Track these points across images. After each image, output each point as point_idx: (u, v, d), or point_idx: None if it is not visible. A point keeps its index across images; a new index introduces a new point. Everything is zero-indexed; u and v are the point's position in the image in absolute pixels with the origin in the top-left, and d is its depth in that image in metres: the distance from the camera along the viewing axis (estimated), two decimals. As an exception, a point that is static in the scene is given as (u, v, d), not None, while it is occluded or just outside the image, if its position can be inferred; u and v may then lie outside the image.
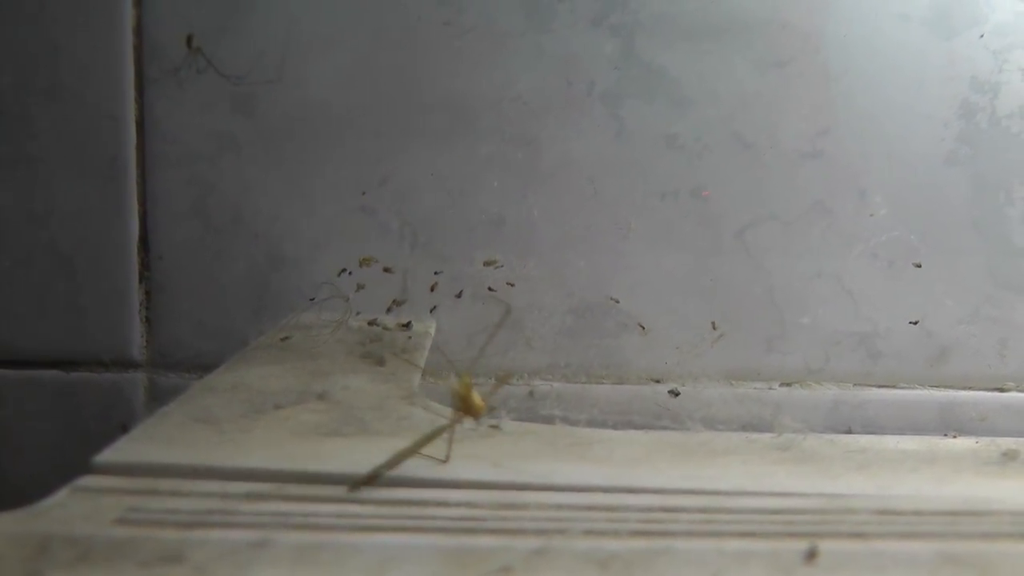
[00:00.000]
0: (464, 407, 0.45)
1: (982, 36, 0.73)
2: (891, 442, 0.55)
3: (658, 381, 0.76)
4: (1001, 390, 0.76)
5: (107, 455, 0.44)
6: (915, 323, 0.75)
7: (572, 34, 0.74)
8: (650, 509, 0.40)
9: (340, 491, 0.41)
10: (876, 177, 0.74)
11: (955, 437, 0.70)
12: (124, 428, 0.58)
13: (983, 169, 0.74)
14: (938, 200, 0.74)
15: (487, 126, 0.75)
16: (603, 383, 0.76)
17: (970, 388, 0.76)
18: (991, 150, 0.74)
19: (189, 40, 0.75)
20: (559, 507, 0.40)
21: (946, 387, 0.76)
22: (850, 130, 0.74)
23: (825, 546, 0.36)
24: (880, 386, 0.76)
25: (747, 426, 0.69)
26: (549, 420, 0.59)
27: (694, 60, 0.74)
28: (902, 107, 0.74)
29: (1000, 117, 0.74)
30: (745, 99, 0.74)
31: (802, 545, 0.36)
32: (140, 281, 0.78)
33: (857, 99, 0.74)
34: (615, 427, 0.55)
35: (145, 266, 0.78)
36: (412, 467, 0.44)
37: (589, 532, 0.37)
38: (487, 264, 0.75)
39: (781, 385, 0.76)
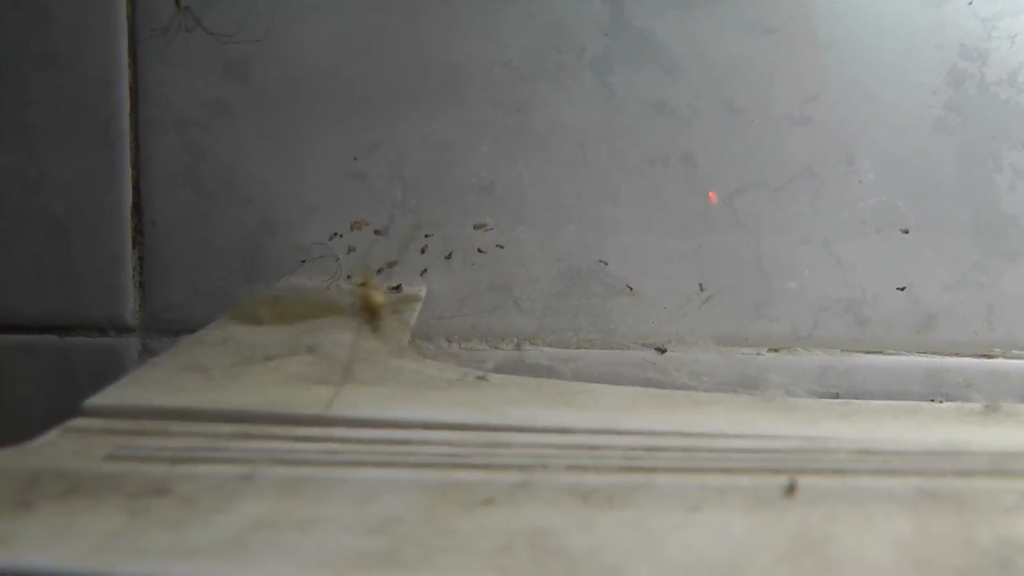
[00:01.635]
0: (365, 307, 0.46)
1: (971, 3, 0.73)
2: (875, 402, 0.55)
3: (647, 344, 0.76)
4: (988, 356, 0.76)
5: (97, 399, 0.45)
6: (902, 289, 0.76)
7: (563, 0, 0.75)
8: (632, 448, 0.40)
9: (322, 431, 0.42)
10: (865, 144, 0.75)
11: (941, 403, 0.70)
12: (116, 384, 0.58)
13: (972, 136, 0.75)
14: (926, 167, 0.75)
15: (478, 92, 0.76)
16: (592, 347, 0.76)
17: (957, 354, 0.76)
18: (980, 117, 0.75)
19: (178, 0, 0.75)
20: (542, 446, 0.40)
21: (933, 353, 0.76)
22: (839, 97, 0.74)
23: (804, 481, 0.37)
24: (867, 352, 0.77)
25: (735, 387, 0.69)
26: (536, 375, 0.59)
27: (684, 26, 0.74)
28: (891, 74, 0.74)
29: (989, 84, 0.74)
30: (735, 65, 0.75)
31: (781, 480, 0.37)
32: (133, 246, 0.78)
33: (847, 66, 0.74)
34: (601, 382, 0.55)
35: (138, 231, 0.78)
36: (396, 408, 0.45)
37: (571, 467, 0.38)
38: (477, 227, 0.75)
39: (769, 351, 0.76)
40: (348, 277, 0.75)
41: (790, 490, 0.36)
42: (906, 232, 0.75)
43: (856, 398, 0.74)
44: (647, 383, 0.68)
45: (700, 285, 0.76)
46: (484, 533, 0.32)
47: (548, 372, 0.72)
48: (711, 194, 0.76)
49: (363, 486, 0.36)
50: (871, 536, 0.33)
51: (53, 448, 0.40)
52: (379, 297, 0.46)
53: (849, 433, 0.45)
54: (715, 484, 0.37)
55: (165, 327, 0.78)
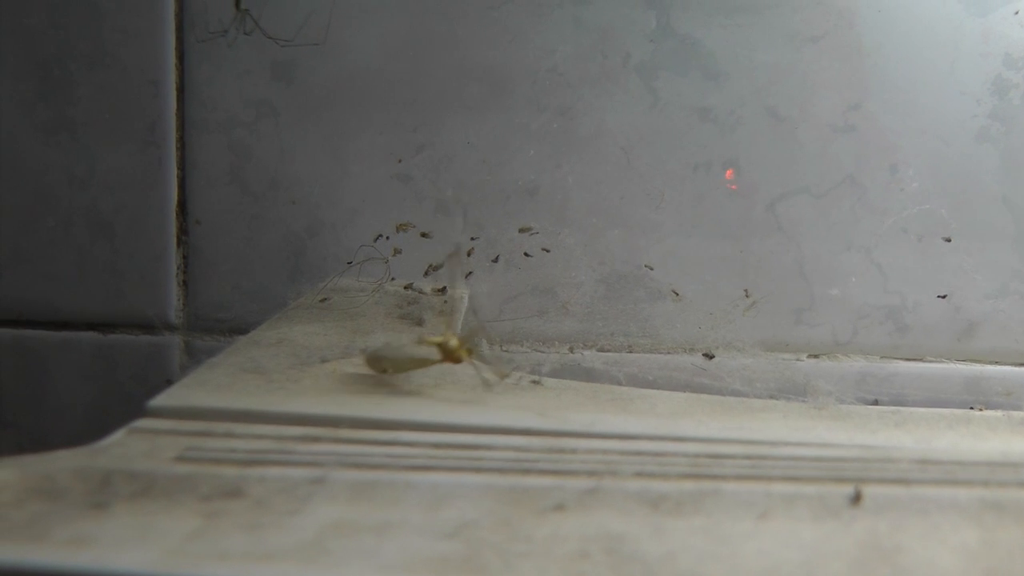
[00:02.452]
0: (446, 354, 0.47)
1: (1017, 13, 0.73)
2: (923, 409, 0.55)
3: (693, 349, 0.76)
4: (1028, 365, 0.77)
5: (160, 400, 0.45)
6: (943, 297, 0.76)
7: (609, 6, 0.75)
8: (697, 455, 0.41)
9: (391, 435, 0.42)
10: (908, 152, 0.75)
11: (981, 410, 0.70)
12: (168, 383, 0.58)
13: (1015, 145, 0.75)
14: (969, 176, 0.75)
15: (523, 96, 0.76)
16: (637, 351, 0.76)
17: (997, 363, 0.77)
18: (1023, 127, 0.75)
19: (237, 2, 0.75)
20: (607, 452, 0.41)
21: (973, 361, 0.76)
22: (883, 105, 0.75)
23: (869, 490, 0.37)
24: (907, 359, 0.77)
25: (781, 391, 0.70)
26: (588, 379, 0.59)
27: (729, 34, 0.75)
28: (935, 83, 0.74)
29: (1032, 94, 0.75)
30: (779, 73, 0.75)
31: (847, 489, 0.37)
32: (178, 245, 0.78)
33: (890, 74, 0.74)
34: (653, 387, 0.55)
35: (183, 231, 0.78)
36: (457, 414, 0.45)
37: (639, 474, 0.38)
38: (522, 231, 0.76)
39: (809, 357, 0.77)
40: (393, 279, 0.75)
41: (856, 499, 0.36)
42: (948, 240, 0.75)
43: (895, 405, 0.74)
44: (699, 388, 0.68)
45: (745, 291, 0.76)
46: (559, 539, 0.32)
47: (599, 375, 0.72)
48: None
49: (434, 490, 0.36)
50: (939, 546, 0.33)
51: (122, 448, 0.40)
52: (458, 348, 0.47)
53: (907, 442, 0.45)
54: (782, 492, 0.37)
55: (208, 326, 0.79)
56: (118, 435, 0.42)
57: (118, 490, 0.35)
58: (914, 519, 0.35)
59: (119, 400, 0.78)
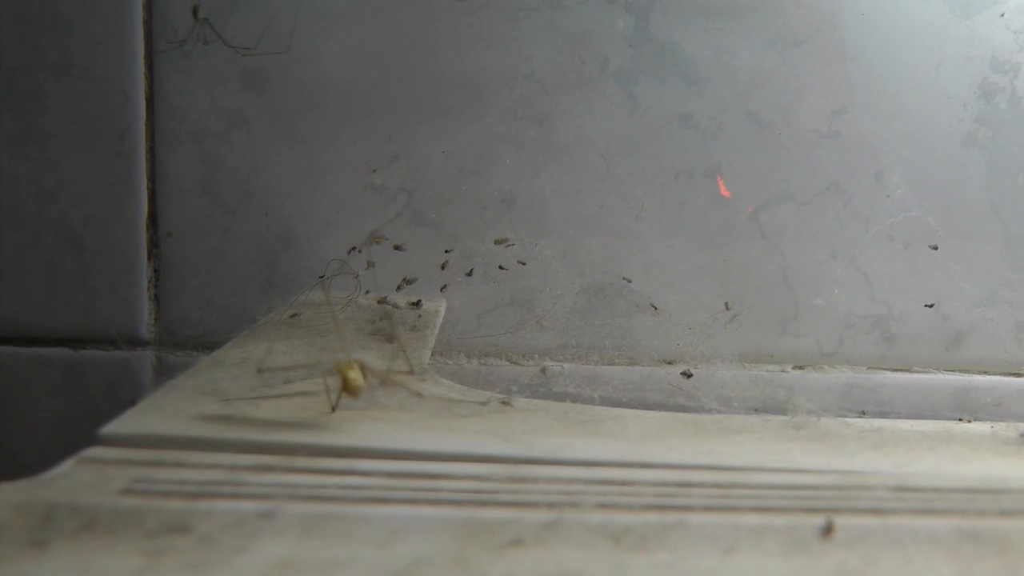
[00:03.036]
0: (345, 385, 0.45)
1: (1003, 15, 0.73)
2: (906, 425, 0.54)
3: (670, 363, 0.75)
4: (1017, 375, 0.76)
5: (113, 427, 0.44)
6: (931, 306, 0.75)
7: (586, 11, 0.74)
8: (664, 484, 0.39)
9: (345, 463, 0.41)
10: (893, 158, 0.74)
11: (970, 422, 0.69)
12: (133, 404, 0.57)
13: (1002, 150, 0.74)
14: (956, 182, 0.74)
15: (500, 103, 0.75)
16: (615, 364, 0.76)
17: (986, 373, 0.76)
18: (1010, 131, 0.74)
19: (195, 11, 0.74)
20: (571, 481, 0.39)
21: (962, 371, 0.76)
22: (867, 110, 0.74)
23: (842, 521, 0.36)
24: (894, 370, 0.76)
25: (761, 408, 0.69)
26: (561, 399, 0.58)
27: (709, 38, 0.74)
28: (920, 87, 0.73)
29: (1020, 98, 0.73)
30: (761, 78, 0.74)
31: (818, 520, 0.36)
32: (149, 258, 0.77)
33: (875, 78, 0.73)
34: (628, 406, 0.54)
35: (154, 243, 0.77)
36: (419, 440, 0.44)
37: (602, 506, 0.37)
38: (498, 243, 0.75)
39: (794, 368, 0.76)
40: (367, 292, 0.74)
41: (827, 531, 0.35)
42: (935, 248, 0.74)
43: (883, 416, 0.73)
44: (674, 407, 0.67)
45: (726, 304, 0.75)
46: (514, 577, 0.31)
47: (573, 396, 0.71)
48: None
49: (387, 524, 0.35)
50: (913, 581, 0.32)
51: (68, 480, 0.39)
52: (358, 380, 0.45)
53: (885, 466, 0.44)
54: (750, 524, 0.36)
55: (180, 341, 0.78)
56: (66, 465, 0.40)
57: (60, 526, 0.34)
58: (887, 552, 0.34)
59: (91, 417, 0.77)
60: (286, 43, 0.74)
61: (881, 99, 0.73)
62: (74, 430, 0.78)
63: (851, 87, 0.73)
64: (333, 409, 0.47)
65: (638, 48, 0.74)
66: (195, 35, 0.74)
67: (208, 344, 0.76)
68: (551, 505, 0.37)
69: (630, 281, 0.75)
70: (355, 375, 0.45)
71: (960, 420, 0.72)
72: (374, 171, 0.75)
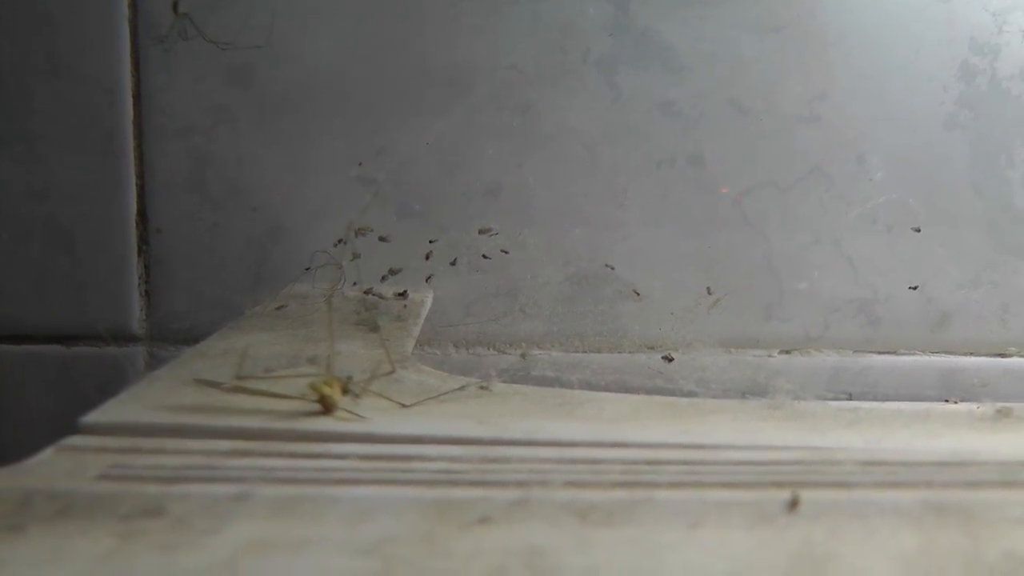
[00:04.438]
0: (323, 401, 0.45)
1: (980, -4, 0.73)
2: (891, 407, 0.54)
3: (652, 348, 0.76)
4: (1003, 355, 0.76)
5: (94, 416, 0.44)
6: (915, 288, 0.75)
7: (567, 1, 0.74)
8: (633, 462, 0.40)
9: (320, 447, 0.41)
10: (875, 141, 0.74)
11: (956, 403, 0.70)
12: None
13: (983, 132, 0.74)
14: (938, 164, 0.74)
15: (483, 95, 0.75)
16: (599, 351, 0.76)
17: (971, 354, 0.76)
18: (991, 113, 0.74)
19: (175, 5, 0.74)
20: (541, 460, 0.40)
21: (947, 353, 0.76)
22: (848, 94, 0.74)
23: (808, 495, 0.36)
24: (880, 352, 0.76)
25: (744, 391, 0.69)
26: (541, 383, 0.58)
27: (689, 25, 0.74)
28: (901, 70, 0.74)
29: (1000, 79, 0.74)
30: (742, 64, 0.74)
31: (784, 494, 0.36)
32: (139, 255, 0.78)
33: (855, 62, 0.74)
34: (607, 390, 0.55)
35: (144, 240, 0.77)
36: (394, 424, 0.44)
37: (570, 483, 0.37)
38: (482, 232, 0.75)
39: (780, 352, 0.76)
40: (354, 284, 0.74)
41: (793, 505, 0.35)
42: (918, 230, 0.74)
43: (869, 399, 0.73)
44: (654, 391, 0.68)
45: (708, 289, 0.75)
46: (480, 553, 0.31)
47: (553, 381, 0.71)
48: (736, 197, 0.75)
49: (358, 505, 0.35)
50: (875, 553, 0.32)
51: (47, 468, 0.39)
52: (335, 395, 0.45)
53: (856, 442, 0.44)
54: (716, 499, 0.36)
55: (171, 336, 0.78)
56: (45, 454, 0.41)
57: (37, 511, 0.34)
58: (851, 524, 0.34)
59: (83, 413, 0.77)
60: (265, 37, 0.75)
61: (862, 83, 0.74)
62: (67, 426, 0.78)
63: (832, 72, 0.74)
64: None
65: (619, 37, 0.74)
66: (175, 30, 0.75)
67: (199, 338, 0.75)
68: (520, 484, 0.37)
69: (613, 268, 0.75)
70: (330, 391, 0.45)
71: (946, 401, 0.72)
72: (360, 164, 0.76)
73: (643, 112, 0.75)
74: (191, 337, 0.77)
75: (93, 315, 0.78)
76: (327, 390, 0.45)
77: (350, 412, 0.45)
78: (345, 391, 0.46)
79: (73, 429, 0.44)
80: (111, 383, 0.78)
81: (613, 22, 0.74)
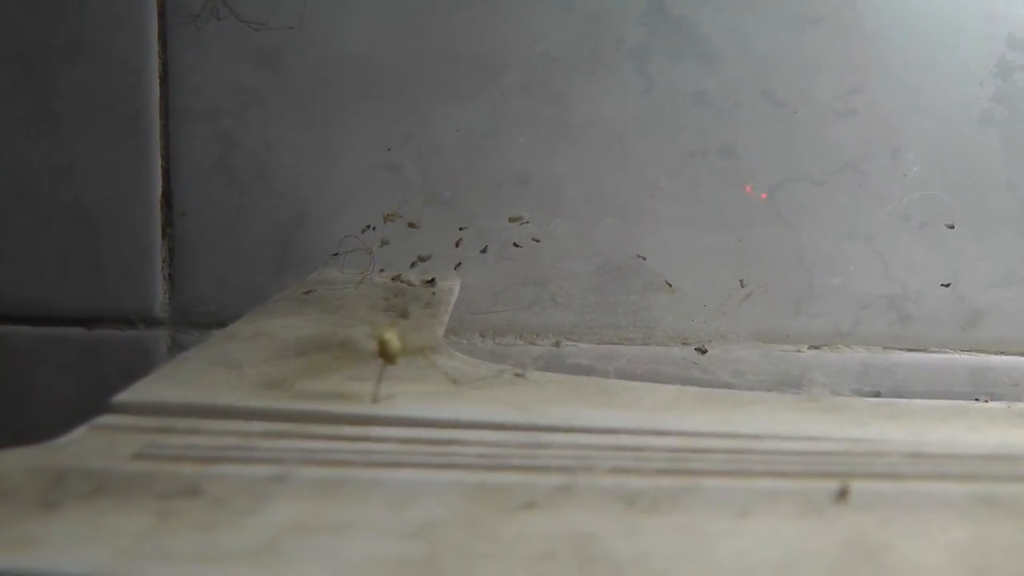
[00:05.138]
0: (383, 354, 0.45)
1: (1020, -8, 0.72)
2: (921, 401, 0.54)
3: (686, 340, 0.75)
4: (1034, 355, 0.76)
5: (125, 395, 0.44)
6: (947, 286, 0.75)
7: (601, -11, 0.74)
8: (677, 450, 0.39)
9: (359, 430, 0.41)
10: (910, 136, 0.73)
11: (986, 401, 0.69)
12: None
13: (1018, 129, 0.73)
14: (972, 160, 0.74)
15: (514, 82, 0.75)
16: (632, 342, 0.75)
17: (1002, 352, 0.75)
18: (1027, 110, 0.74)
19: (208, -15, 0.74)
20: (584, 447, 0.39)
21: (978, 351, 0.75)
22: (884, 88, 0.73)
23: (856, 486, 0.35)
24: (910, 350, 0.76)
25: (776, 385, 0.68)
26: (575, 373, 0.58)
27: (725, 16, 0.73)
28: (937, 65, 0.73)
29: (1038, 76, 0.73)
30: (777, 56, 0.73)
31: (833, 485, 0.36)
32: (163, 238, 0.77)
33: (892, 56, 0.73)
34: (642, 380, 0.54)
35: (168, 222, 0.77)
36: (434, 406, 0.44)
37: (615, 470, 0.37)
38: (513, 220, 0.74)
39: (810, 348, 0.76)
40: (381, 271, 0.74)
41: (842, 495, 0.35)
42: (951, 227, 0.74)
43: (898, 397, 0.73)
44: (689, 382, 0.67)
45: (741, 281, 0.75)
46: (526, 538, 0.31)
47: (587, 370, 0.71)
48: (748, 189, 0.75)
49: (401, 488, 0.35)
50: (928, 544, 0.32)
51: (80, 446, 0.39)
52: (396, 344, 0.45)
53: (899, 435, 0.43)
54: (764, 488, 0.35)
55: (194, 320, 0.78)
56: (78, 432, 0.40)
57: (71, 489, 0.34)
58: (903, 516, 0.34)
59: (105, 396, 0.76)
60: (298, 18, 0.74)
61: (898, 77, 0.73)
62: (88, 409, 0.78)
63: (868, 65, 0.73)
64: (374, 400, 0.47)
65: (653, 27, 0.73)
66: (208, 9, 0.74)
67: (222, 322, 0.76)
68: (564, 470, 0.36)
69: (645, 259, 0.75)
70: (392, 336, 0.45)
71: (976, 400, 0.72)
72: (388, 150, 0.75)
73: (676, 103, 0.74)
74: (214, 321, 0.77)
75: (116, 298, 0.78)
76: (389, 335, 0.45)
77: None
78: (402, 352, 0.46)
79: (94, 412, 0.44)
80: (133, 366, 0.78)
81: (648, 11, 0.73)
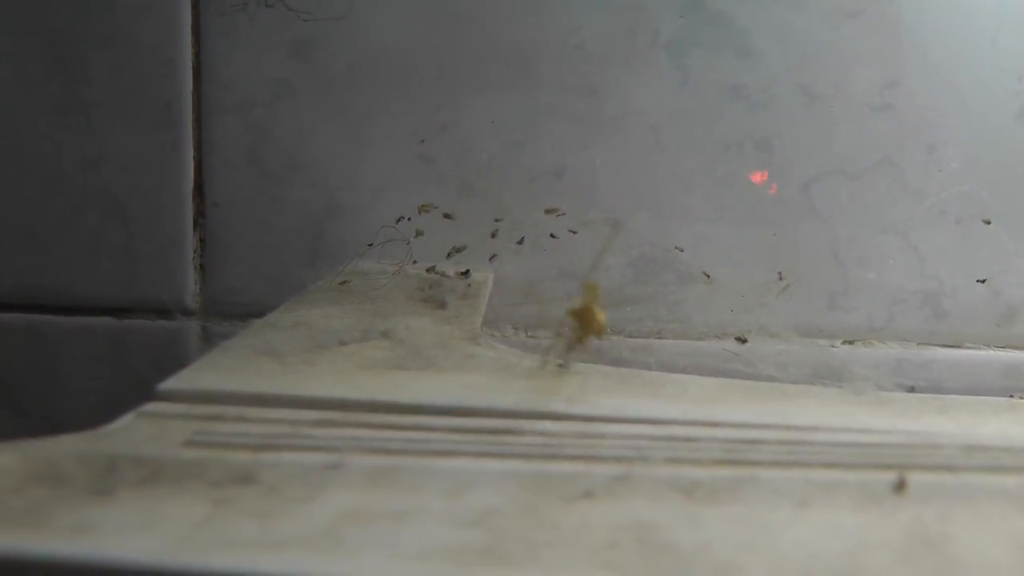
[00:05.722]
0: (584, 322, 0.44)
1: (1059, -13, 0.72)
2: (964, 397, 0.54)
3: (726, 331, 0.75)
4: (1069, 351, 0.75)
5: (171, 383, 0.44)
6: (983, 281, 0.74)
7: (637, -20, 0.73)
8: (732, 441, 0.39)
9: (411, 419, 0.41)
10: (946, 132, 0.73)
11: (1021, 398, 0.69)
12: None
13: (1056, 126, 0.73)
14: (1010, 156, 0.73)
15: (549, 74, 0.74)
16: (672, 334, 0.75)
17: (1037, 349, 0.75)
18: (1064, 106, 0.73)
19: (257, -24, 0.74)
20: (637, 437, 0.39)
21: (1013, 347, 0.75)
22: (921, 83, 0.73)
23: (914, 477, 0.35)
24: (945, 345, 0.75)
25: (817, 379, 0.68)
26: (617, 365, 0.58)
27: (762, 9, 0.73)
28: (975, 60, 0.73)
29: (1075, 72, 0.73)
30: (814, 50, 0.73)
31: (890, 476, 0.36)
32: (194, 228, 0.77)
33: (929, 51, 0.73)
34: (684, 372, 0.54)
35: (200, 213, 0.77)
36: (483, 396, 0.43)
37: (671, 460, 0.37)
38: (548, 212, 0.74)
39: (844, 343, 0.75)
40: (414, 262, 0.74)
41: (900, 486, 0.35)
42: (988, 223, 0.73)
43: (933, 392, 0.72)
44: (733, 374, 0.67)
45: (779, 274, 0.74)
46: (587, 527, 0.31)
47: (628, 362, 0.71)
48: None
49: (456, 476, 0.34)
50: (989, 535, 0.32)
51: (129, 433, 0.39)
52: (600, 317, 0.45)
53: (951, 428, 0.43)
54: (821, 479, 0.35)
55: (225, 310, 0.78)
56: (126, 419, 0.40)
57: (123, 476, 0.34)
58: (961, 507, 0.33)
59: (134, 386, 0.77)
60: (346, 8, 0.74)
61: (935, 72, 0.73)
62: (118, 399, 0.78)
63: (905, 60, 0.73)
64: (561, 365, 0.47)
65: (690, 19, 0.73)
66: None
67: (253, 313, 0.75)
68: (619, 459, 0.36)
69: (682, 251, 0.74)
70: (600, 313, 0.45)
71: (1011, 396, 0.72)
72: (422, 142, 0.75)
73: (711, 96, 0.74)
74: (245, 312, 0.77)
75: (146, 287, 0.78)
76: (598, 310, 0.44)
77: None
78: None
79: (124, 400, 0.44)
80: (163, 356, 0.78)
81: (685, 3, 0.73)
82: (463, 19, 0.74)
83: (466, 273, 0.73)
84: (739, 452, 0.38)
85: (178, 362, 0.75)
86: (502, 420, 0.41)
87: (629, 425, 0.41)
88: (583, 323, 0.44)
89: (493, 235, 0.75)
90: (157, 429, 0.39)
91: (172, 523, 0.30)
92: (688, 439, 0.39)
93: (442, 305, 0.62)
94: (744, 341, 0.74)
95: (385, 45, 0.75)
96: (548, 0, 0.74)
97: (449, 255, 0.74)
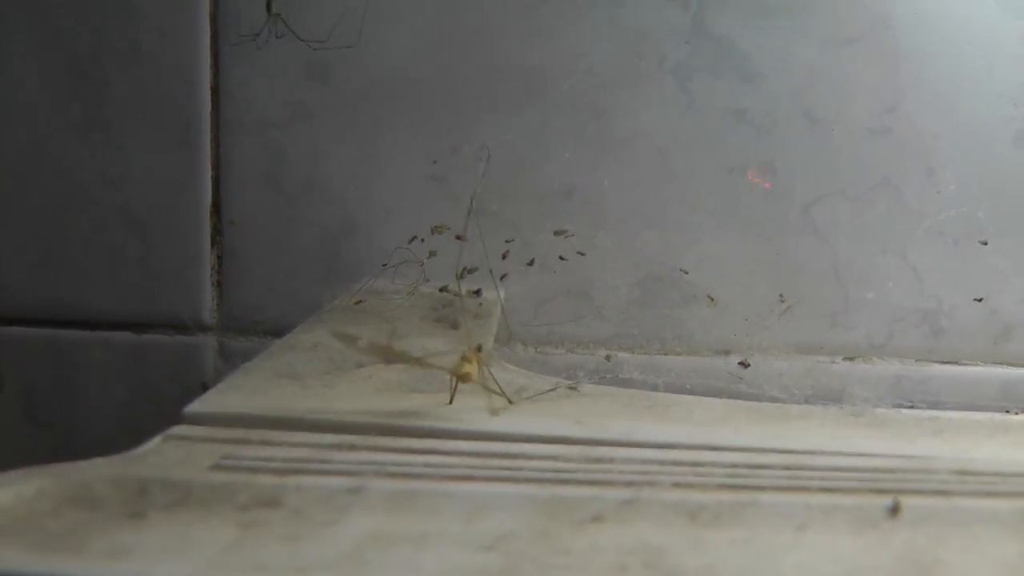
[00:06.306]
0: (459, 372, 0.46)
1: (1055, 15, 0.73)
2: (959, 414, 0.55)
3: (729, 352, 0.76)
4: (1065, 368, 0.76)
5: (196, 406, 0.45)
6: (980, 300, 0.75)
7: (644, 7, 0.74)
8: (734, 465, 0.40)
9: (428, 443, 0.42)
10: (944, 155, 0.74)
11: (1017, 414, 0.70)
12: (204, 387, 0.59)
13: (1052, 149, 0.74)
14: (1006, 179, 0.74)
15: (559, 97, 0.76)
16: (677, 355, 0.76)
17: (1034, 366, 0.76)
18: (1060, 130, 0.74)
19: (268, 5, 0.75)
20: (645, 461, 0.40)
21: (1010, 364, 0.76)
22: (919, 107, 0.74)
23: (908, 502, 0.37)
24: (943, 363, 0.76)
25: (817, 398, 0.69)
26: (626, 386, 0.59)
27: (765, 35, 0.74)
28: (972, 85, 0.74)
29: (1069, 97, 0.74)
30: (815, 75, 0.74)
31: (885, 500, 0.37)
32: (212, 246, 0.78)
33: (926, 77, 0.74)
34: (690, 394, 0.55)
35: (217, 231, 0.78)
36: (494, 421, 0.45)
37: (677, 484, 0.38)
38: (557, 233, 0.75)
39: (844, 359, 0.76)
40: (427, 281, 0.75)
41: (895, 510, 0.36)
42: (984, 243, 0.74)
43: (931, 408, 0.73)
44: (738, 395, 0.68)
45: (781, 296, 0.76)
46: (598, 551, 0.32)
47: (637, 383, 0.72)
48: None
49: (472, 501, 0.36)
50: (979, 559, 0.33)
51: (159, 457, 0.40)
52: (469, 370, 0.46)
53: (946, 451, 0.45)
54: (820, 503, 0.37)
55: (242, 326, 0.79)
56: (154, 442, 0.41)
57: (155, 499, 0.35)
58: (954, 531, 0.35)
59: (152, 400, 0.78)
60: (356, 36, 0.75)
61: (933, 97, 0.74)
62: (136, 413, 0.79)
63: (903, 85, 0.74)
64: (450, 401, 0.48)
65: (694, 44, 0.75)
66: (267, 29, 0.75)
67: (269, 330, 0.77)
68: (628, 484, 0.38)
69: (687, 272, 0.76)
70: (470, 368, 0.46)
71: (1008, 412, 0.73)
72: (435, 163, 0.77)
73: (716, 119, 0.75)
74: (261, 329, 0.78)
75: (165, 303, 0.79)
76: (468, 367, 0.46)
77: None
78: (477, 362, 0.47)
79: (142, 416, 0.45)
80: (180, 372, 0.79)
81: (689, 30, 0.74)
82: (474, 44, 0.76)
83: (478, 292, 0.74)
84: (742, 477, 0.39)
85: (195, 377, 0.77)
86: (515, 444, 0.42)
87: (637, 449, 0.42)
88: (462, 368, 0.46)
89: (504, 256, 0.76)
90: (185, 453, 0.40)
91: (203, 546, 0.32)
92: (693, 463, 0.40)
93: (455, 325, 0.63)
94: (747, 365, 0.75)
95: (399, 68, 0.76)
96: (557, 25, 0.75)
97: (460, 275, 0.75)
